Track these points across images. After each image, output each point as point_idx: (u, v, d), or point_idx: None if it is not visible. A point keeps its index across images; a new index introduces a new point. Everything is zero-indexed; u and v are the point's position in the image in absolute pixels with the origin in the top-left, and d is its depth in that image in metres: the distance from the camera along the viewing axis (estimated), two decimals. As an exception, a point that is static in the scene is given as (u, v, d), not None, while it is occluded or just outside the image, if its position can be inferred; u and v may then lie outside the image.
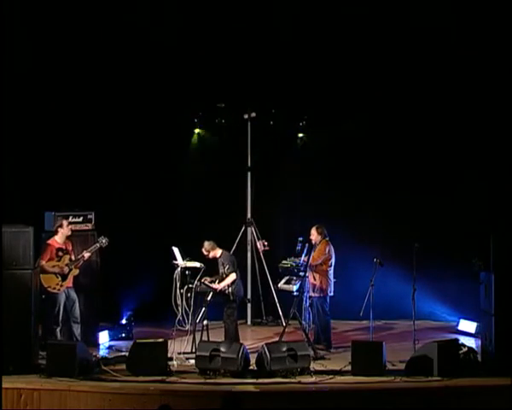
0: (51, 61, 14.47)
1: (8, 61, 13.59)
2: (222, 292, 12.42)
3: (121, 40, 14.57)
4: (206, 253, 12.60)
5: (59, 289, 12.33)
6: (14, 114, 13.83)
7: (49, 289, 12.28)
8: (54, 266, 12.33)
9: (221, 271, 12.57)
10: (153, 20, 14.64)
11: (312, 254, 12.61)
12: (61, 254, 12.42)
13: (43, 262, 12.26)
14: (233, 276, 12.44)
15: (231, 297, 12.42)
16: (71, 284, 12.44)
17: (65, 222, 12.56)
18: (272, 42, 14.65)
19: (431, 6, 14.28)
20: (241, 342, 11.96)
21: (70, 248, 12.55)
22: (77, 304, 12.43)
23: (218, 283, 12.48)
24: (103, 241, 12.61)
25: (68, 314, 12.40)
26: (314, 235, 12.83)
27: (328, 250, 12.75)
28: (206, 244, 12.59)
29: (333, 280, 12.74)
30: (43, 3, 14.30)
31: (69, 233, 12.56)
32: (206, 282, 12.42)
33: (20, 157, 14.11)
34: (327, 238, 12.84)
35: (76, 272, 12.48)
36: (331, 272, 12.75)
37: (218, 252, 12.62)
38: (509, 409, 10.25)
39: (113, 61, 14.65)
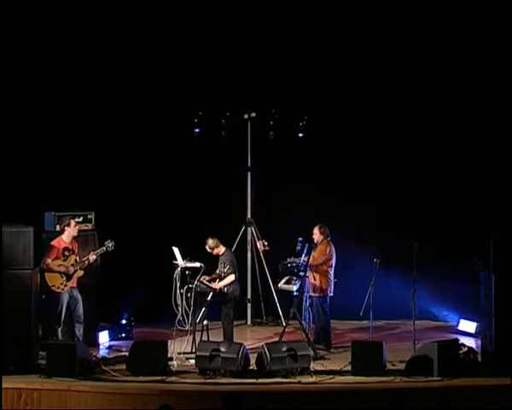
0: (51, 60, 14.48)
1: (9, 61, 13.59)
2: (219, 292, 12.41)
3: (121, 40, 14.58)
4: (209, 250, 12.59)
5: (63, 289, 12.32)
6: (15, 115, 13.83)
7: (53, 288, 12.27)
8: (60, 266, 12.31)
9: (220, 269, 12.56)
10: (153, 19, 14.65)
11: (313, 253, 12.61)
12: (67, 253, 12.40)
13: (49, 261, 12.25)
14: (232, 277, 12.43)
15: (226, 297, 12.42)
16: (75, 285, 12.43)
17: (72, 222, 12.52)
18: (272, 42, 14.65)
19: (432, 4, 14.30)
20: (240, 342, 11.95)
21: (76, 248, 12.54)
22: (80, 303, 12.42)
23: (218, 282, 12.48)
24: (110, 245, 12.58)
25: (72, 314, 12.39)
26: (316, 234, 12.83)
27: (329, 251, 12.75)
28: (210, 242, 12.57)
29: (333, 280, 12.75)
30: (43, 3, 14.34)
31: (75, 234, 12.53)
32: (205, 281, 12.42)
33: (20, 157, 14.12)
34: (328, 238, 12.84)
35: (81, 273, 12.46)
36: (331, 272, 12.74)
37: (221, 249, 12.61)
38: (509, 409, 10.25)
39: (113, 61, 14.66)
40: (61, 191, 14.01)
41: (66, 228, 12.46)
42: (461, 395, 10.49)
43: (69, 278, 12.36)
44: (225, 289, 12.41)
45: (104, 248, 12.60)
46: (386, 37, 14.60)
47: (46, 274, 12.17)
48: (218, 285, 12.40)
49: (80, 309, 12.42)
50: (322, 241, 12.81)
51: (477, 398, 10.45)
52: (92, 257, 12.52)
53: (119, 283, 14.30)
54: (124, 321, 13.85)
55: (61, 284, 12.31)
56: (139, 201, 14.79)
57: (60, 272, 12.30)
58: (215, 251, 12.59)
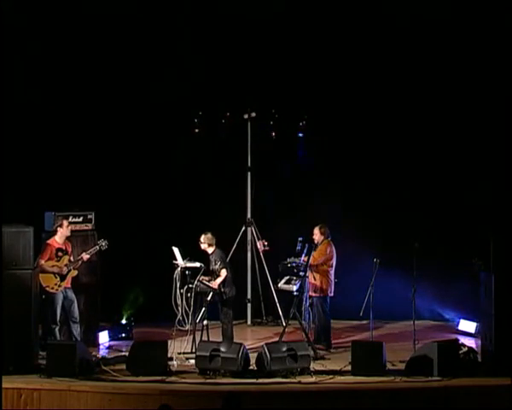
0: (50, 59, 14.48)
1: (9, 61, 13.59)
2: (217, 292, 12.41)
3: (121, 40, 14.58)
4: (202, 242, 12.52)
5: (57, 290, 12.33)
6: (15, 114, 13.83)
7: (47, 288, 12.28)
8: (53, 266, 12.33)
9: (211, 267, 12.54)
10: (154, 19, 14.65)
11: (313, 253, 12.61)
12: (60, 254, 12.42)
13: (43, 262, 12.26)
14: (224, 272, 12.41)
15: (224, 297, 12.42)
16: (69, 285, 12.45)
17: (65, 222, 12.55)
18: (272, 42, 14.66)
19: (435, 4, 14.32)
20: (240, 342, 11.95)
21: (69, 249, 12.55)
22: (75, 304, 12.44)
23: (214, 281, 12.46)
24: (103, 244, 12.61)
25: (67, 314, 12.40)
26: (317, 235, 12.83)
27: (330, 251, 12.75)
28: (209, 237, 12.52)
29: (333, 281, 12.74)
30: (41, 3, 14.34)
31: (68, 234, 12.54)
32: (205, 281, 12.41)
33: (20, 157, 14.12)
34: (329, 238, 12.85)
35: (74, 273, 12.48)
36: (332, 272, 12.74)
37: (212, 248, 12.59)
38: (508, 409, 10.25)
39: (114, 61, 14.66)
40: (61, 191, 14.02)
41: (58, 228, 12.48)
42: (461, 395, 10.50)
43: (63, 278, 12.36)
44: (222, 289, 12.40)
45: (97, 247, 12.63)
46: (386, 40, 14.60)
47: (40, 275, 12.15)
48: (215, 283, 12.38)
49: (75, 309, 12.43)
50: (322, 241, 12.81)
51: (477, 398, 10.46)
52: (85, 256, 12.53)
53: (119, 283, 14.31)
54: (124, 321, 13.86)
55: (55, 284, 12.32)
56: (139, 201, 14.80)
57: (53, 273, 12.31)
58: (205, 246, 12.52)
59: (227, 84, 14.79)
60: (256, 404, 10.17)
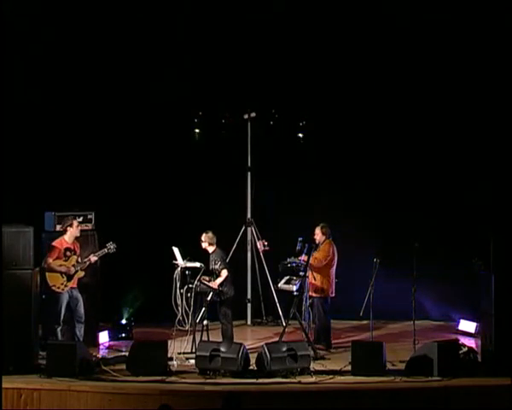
0: (50, 59, 14.48)
1: (9, 61, 13.60)
2: (215, 292, 12.41)
3: (121, 40, 14.58)
4: (203, 241, 12.53)
5: (63, 289, 12.33)
6: (15, 114, 13.83)
7: (53, 288, 12.28)
8: (61, 266, 12.32)
9: (211, 267, 12.54)
10: (153, 19, 14.66)
11: (314, 253, 12.60)
12: (68, 254, 12.41)
13: (51, 260, 12.25)
14: (225, 272, 12.42)
15: (222, 297, 12.42)
16: (75, 285, 12.44)
17: (75, 222, 12.53)
18: (272, 42, 14.66)
19: (434, 4, 14.31)
20: (240, 342, 11.95)
21: (78, 249, 12.54)
22: (81, 303, 12.42)
23: (214, 281, 12.46)
24: (111, 247, 12.58)
25: (72, 314, 12.39)
26: (318, 235, 12.83)
27: (332, 251, 12.75)
28: (209, 236, 12.53)
29: (334, 281, 12.74)
30: (41, 4, 14.35)
31: (78, 234, 12.54)
32: (205, 281, 12.41)
33: (20, 157, 14.12)
34: (330, 238, 12.85)
35: (81, 273, 12.47)
36: (333, 272, 12.74)
37: (213, 247, 12.58)
38: (509, 409, 10.26)
39: (114, 61, 14.66)
40: (61, 191, 14.02)
41: (68, 228, 12.48)
42: (461, 395, 10.50)
43: (70, 278, 12.36)
44: (221, 288, 12.39)
45: (105, 249, 12.60)
46: (386, 40, 14.61)
47: (47, 274, 12.19)
48: (215, 283, 12.39)
49: (81, 309, 12.42)
50: (324, 241, 12.81)
51: (477, 398, 10.46)
52: (93, 258, 12.54)
53: (119, 283, 14.31)
54: (124, 321, 13.86)
55: (62, 284, 12.32)
56: (139, 201, 14.80)
57: (61, 273, 12.31)
58: (206, 245, 12.53)
59: (227, 84, 14.79)
60: (256, 404, 10.18)
